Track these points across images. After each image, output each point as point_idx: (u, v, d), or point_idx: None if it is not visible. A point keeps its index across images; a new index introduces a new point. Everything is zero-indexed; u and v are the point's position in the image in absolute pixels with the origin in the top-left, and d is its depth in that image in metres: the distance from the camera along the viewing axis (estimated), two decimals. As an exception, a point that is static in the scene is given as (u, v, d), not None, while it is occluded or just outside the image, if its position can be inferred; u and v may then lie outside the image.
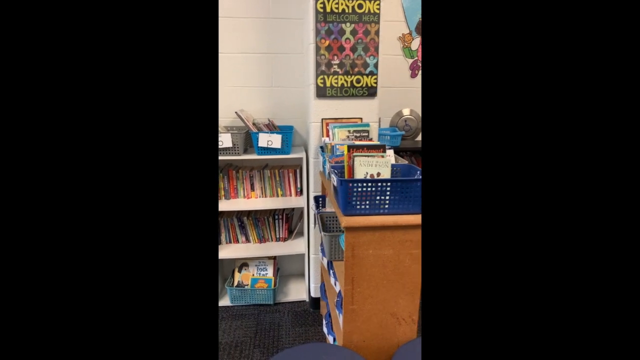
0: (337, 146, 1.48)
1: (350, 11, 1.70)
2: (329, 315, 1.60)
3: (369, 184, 1.10)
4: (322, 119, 1.84)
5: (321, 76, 1.77)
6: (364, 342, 1.22)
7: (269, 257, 2.21)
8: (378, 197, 1.11)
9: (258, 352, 1.80)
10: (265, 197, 2.21)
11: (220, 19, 2.02)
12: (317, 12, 1.68)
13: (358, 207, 1.12)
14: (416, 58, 2.26)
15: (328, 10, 1.69)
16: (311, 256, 2.11)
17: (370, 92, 1.83)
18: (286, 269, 2.48)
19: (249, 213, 2.25)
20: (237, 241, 2.25)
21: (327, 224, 1.65)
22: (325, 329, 1.56)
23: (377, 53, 1.78)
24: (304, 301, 2.24)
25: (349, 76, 1.79)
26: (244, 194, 2.19)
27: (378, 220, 1.10)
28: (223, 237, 2.23)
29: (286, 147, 1.99)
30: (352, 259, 1.13)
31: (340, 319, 1.27)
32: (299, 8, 2.05)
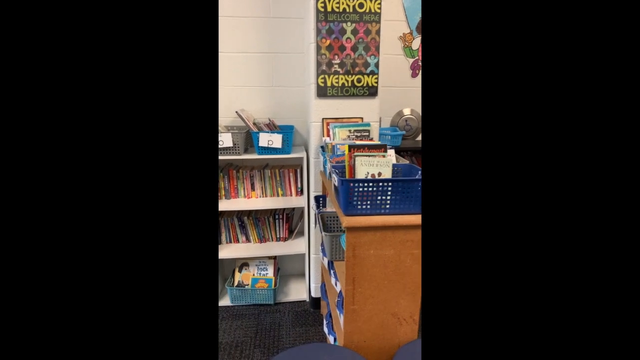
0: (338, 146, 1.47)
1: (351, 10, 1.69)
2: (330, 315, 1.60)
3: (370, 184, 1.09)
4: (323, 119, 1.84)
5: (322, 76, 1.77)
6: (364, 343, 1.22)
7: (270, 257, 2.21)
8: (379, 197, 1.11)
9: (258, 352, 1.80)
10: (266, 196, 2.21)
11: (220, 18, 2.02)
12: (317, 11, 1.68)
13: (359, 207, 1.11)
14: (417, 57, 2.26)
15: (329, 9, 1.68)
16: (311, 256, 2.11)
17: (371, 91, 1.82)
18: (286, 268, 2.47)
19: (249, 213, 2.24)
20: (238, 241, 2.25)
21: (328, 224, 1.64)
22: (325, 329, 1.56)
23: (378, 52, 1.78)
24: (304, 301, 2.24)
25: (350, 76, 1.79)
26: (245, 194, 2.18)
27: (379, 220, 1.10)
28: (223, 237, 2.23)
29: (287, 146, 1.99)
30: (353, 259, 1.12)
31: (341, 319, 1.26)
32: (300, 7, 2.04)
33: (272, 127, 2.04)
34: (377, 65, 1.79)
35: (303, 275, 2.47)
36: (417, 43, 2.23)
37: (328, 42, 1.73)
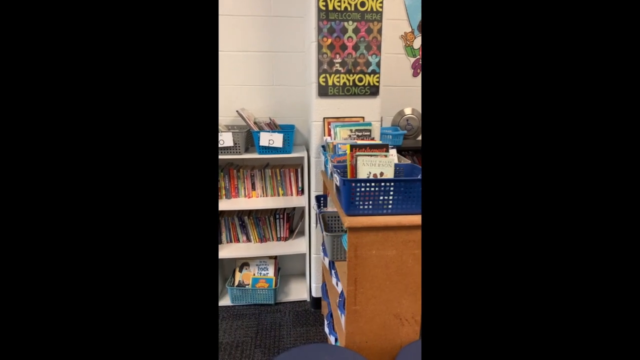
0: (339, 145, 1.46)
1: (352, 9, 1.69)
2: (331, 316, 1.59)
3: (372, 184, 1.08)
4: (324, 118, 1.83)
5: (323, 75, 1.76)
6: (366, 343, 1.21)
7: (270, 257, 2.20)
8: (381, 197, 1.10)
9: (259, 352, 1.80)
10: (266, 196, 2.20)
11: (220, 17, 2.01)
12: (319, 10, 1.67)
13: (361, 207, 1.11)
14: (418, 57, 2.25)
15: (330, 8, 1.67)
16: (312, 256, 2.10)
17: (372, 91, 1.81)
18: (287, 268, 2.47)
19: (249, 212, 2.24)
20: (238, 241, 2.24)
21: (329, 224, 1.64)
22: (326, 329, 1.55)
23: (380, 52, 1.77)
24: (305, 301, 2.23)
25: (351, 75, 1.78)
26: (245, 193, 2.18)
27: (381, 220, 1.09)
28: (224, 237, 2.22)
29: (287, 146, 1.98)
30: (355, 260, 1.12)
31: (343, 319, 1.26)
32: (301, 6, 2.03)
33: (272, 127, 2.03)
34: (378, 64, 1.78)
35: (304, 275, 2.47)
36: (418, 42, 2.22)
37: (329, 40, 1.72)
